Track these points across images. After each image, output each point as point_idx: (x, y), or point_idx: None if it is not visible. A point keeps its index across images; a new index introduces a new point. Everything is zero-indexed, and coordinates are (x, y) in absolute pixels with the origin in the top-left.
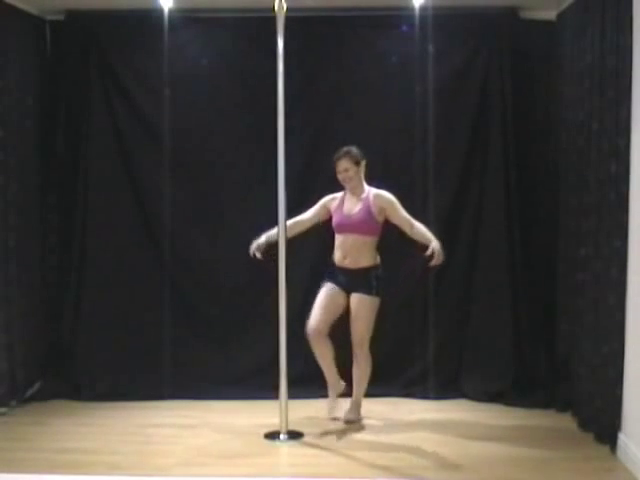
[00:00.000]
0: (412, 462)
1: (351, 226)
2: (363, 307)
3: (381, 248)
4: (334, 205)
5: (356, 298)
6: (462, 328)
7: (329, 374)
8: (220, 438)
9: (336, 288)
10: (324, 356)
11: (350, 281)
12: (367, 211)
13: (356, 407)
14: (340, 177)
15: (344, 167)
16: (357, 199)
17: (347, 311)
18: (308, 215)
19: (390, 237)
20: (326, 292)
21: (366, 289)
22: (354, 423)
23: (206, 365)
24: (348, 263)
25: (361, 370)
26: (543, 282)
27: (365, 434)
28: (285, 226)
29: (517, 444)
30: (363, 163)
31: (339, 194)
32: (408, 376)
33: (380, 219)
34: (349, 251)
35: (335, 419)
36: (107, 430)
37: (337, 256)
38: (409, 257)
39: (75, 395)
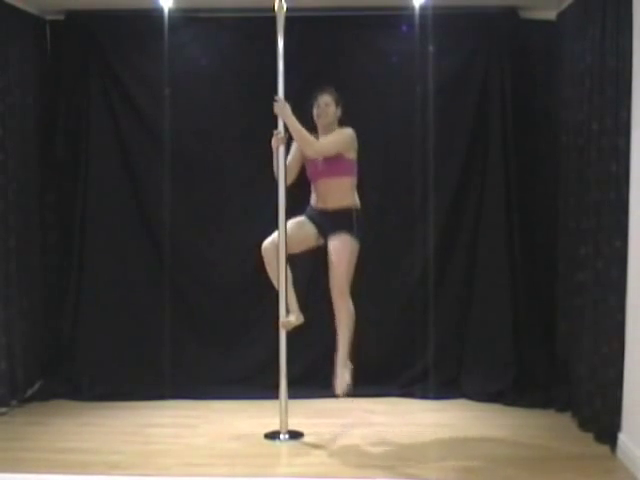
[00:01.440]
0: (412, 462)
1: (324, 171)
2: (344, 248)
3: (381, 247)
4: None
5: (336, 239)
6: (462, 328)
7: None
8: (220, 438)
9: (308, 222)
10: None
11: (329, 222)
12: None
13: (343, 371)
14: (317, 112)
15: (325, 102)
16: None
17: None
18: (289, 159)
19: (390, 237)
20: (294, 220)
21: (347, 229)
22: (347, 390)
23: (206, 365)
24: (328, 205)
25: (342, 322)
26: (543, 282)
27: (365, 434)
28: (285, 226)
29: (517, 444)
30: (340, 108)
31: None
32: (408, 376)
33: (350, 155)
34: (328, 195)
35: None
36: (107, 430)
37: (315, 199)
38: (409, 257)
39: (75, 395)
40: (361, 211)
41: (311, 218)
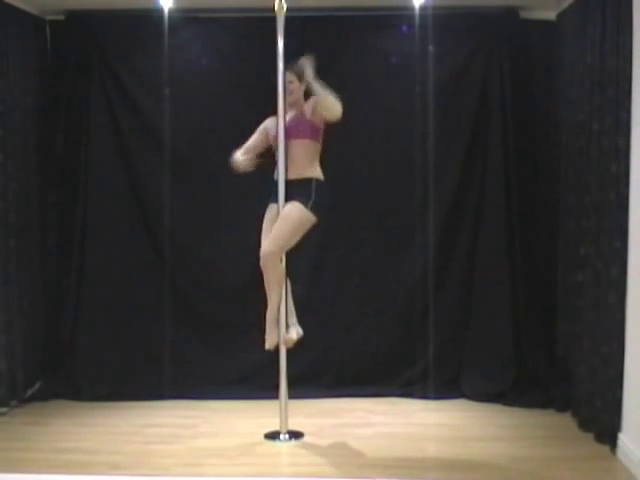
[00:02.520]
0: (412, 462)
1: (291, 132)
2: (290, 213)
3: (381, 247)
4: (274, 125)
5: (287, 205)
6: (462, 328)
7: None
8: (220, 438)
9: (272, 209)
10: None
11: (289, 193)
12: (300, 113)
13: (272, 328)
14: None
15: (288, 79)
16: (295, 112)
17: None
18: (248, 145)
19: (390, 237)
20: (267, 217)
21: (302, 198)
22: (273, 347)
23: (206, 365)
24: (290, 174)
25: (271, 284)
26: (543, 282)
27: (365, 434)
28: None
29: (517, 444)
30: (304, 83)
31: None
32: (408, 376)
33: (315, 119)
34: (291, 161)
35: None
36: (107, 430)
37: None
38: (409, 257)
39: (75, 395)
40: (324, 184)
41: (274, 200)
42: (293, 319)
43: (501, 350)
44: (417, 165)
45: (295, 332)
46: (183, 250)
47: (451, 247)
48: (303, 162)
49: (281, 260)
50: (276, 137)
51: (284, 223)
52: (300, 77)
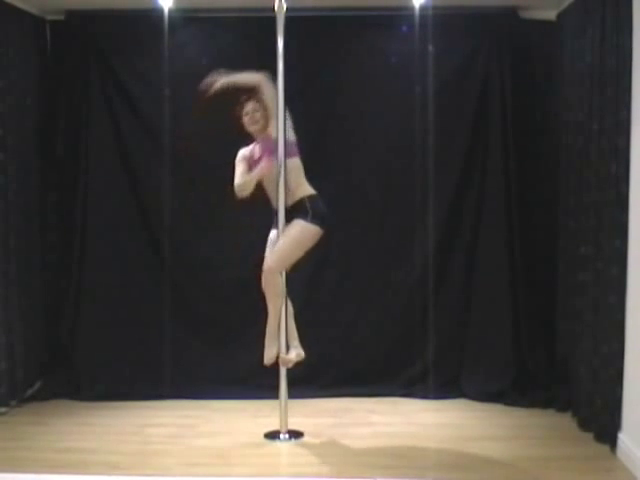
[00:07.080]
0: (412, 462)
1: (265, 161)
2: (292, 230)
3: (381, 248)
4: (249, 150)
5: (288, 226)
6: (462, 328)
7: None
8: (220, 438)
9: (276, 232)
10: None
11: (287, 218)
12: (269, 135)
13: (270, 344)
14: (247, 119)
15: (253, 108)
16: (264, 137)
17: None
18: (242, 171)
19: (390, 237)
20: (270, 239)
21: (301, 215)
22: (271, 363)
23: (206, 365)
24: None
25: (269, 299)
26: (543, 282)
27: (365, 434)
28: (284, 222)
29: (517, 444)
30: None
31: (249, 147)
32: (408, 376)
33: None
34: (275, 186)
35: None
36: (107, 430)
37: (272, 202)
38: (409, 257)
39: (75, 395)
40: (315, 196)
41: (275, 226)
42: (295, 342)
43: (501, 350)
44: (417, 165)
45: (295, 354)
46: (183, 250)
47: (451, 247)
48: (293, 183)
49: (281, 275)
50: (259, 159)
51: (285, 239)
52: (259, 100)
